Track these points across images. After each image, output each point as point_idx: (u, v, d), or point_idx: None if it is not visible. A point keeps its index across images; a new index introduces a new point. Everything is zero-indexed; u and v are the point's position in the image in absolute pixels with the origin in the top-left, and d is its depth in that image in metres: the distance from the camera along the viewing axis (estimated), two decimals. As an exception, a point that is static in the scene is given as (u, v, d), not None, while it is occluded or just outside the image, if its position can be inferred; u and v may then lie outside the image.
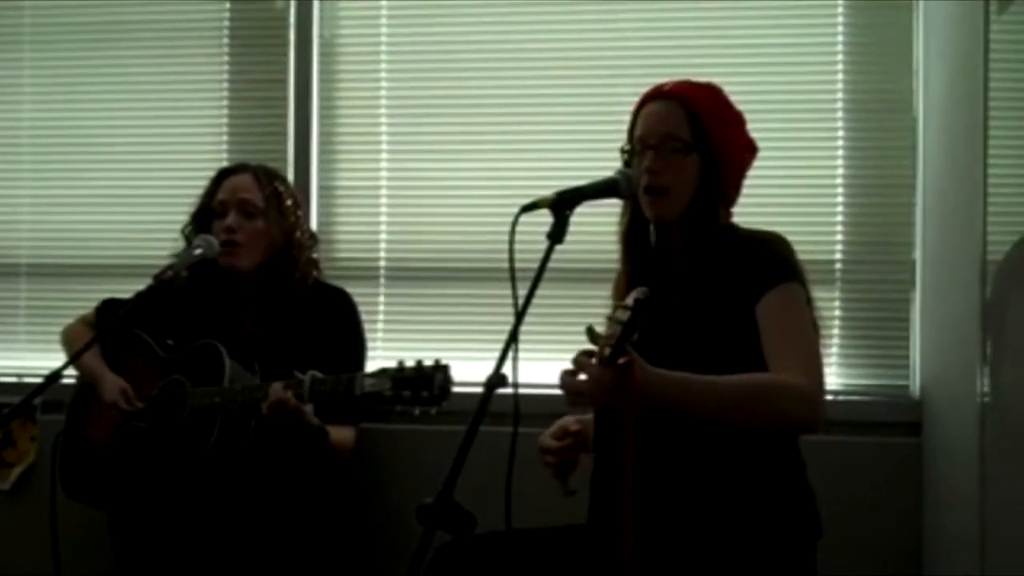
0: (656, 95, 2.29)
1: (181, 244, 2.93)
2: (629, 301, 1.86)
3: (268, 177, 2.91)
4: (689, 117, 2.22)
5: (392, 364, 2.46)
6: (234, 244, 2.83)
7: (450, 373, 2.40)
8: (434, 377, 2.39)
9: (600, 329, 1.91)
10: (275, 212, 2.88)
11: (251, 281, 2.90)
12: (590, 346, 1.92)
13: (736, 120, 2.30)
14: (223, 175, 2.92)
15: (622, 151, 2.30)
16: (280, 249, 2.88)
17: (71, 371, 2.55)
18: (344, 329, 2.92)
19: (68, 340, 3.00)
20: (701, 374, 2.03)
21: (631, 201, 2.27)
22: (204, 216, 2.89)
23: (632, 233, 2.32)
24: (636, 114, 2.31)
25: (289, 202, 2.93)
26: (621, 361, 1.88)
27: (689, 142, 2.21)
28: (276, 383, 2.57)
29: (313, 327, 2.87)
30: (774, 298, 2.13)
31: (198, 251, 2.78)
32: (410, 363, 2.43)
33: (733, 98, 2.32)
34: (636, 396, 1.88)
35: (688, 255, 2.26)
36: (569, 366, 1.95)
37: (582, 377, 1.93)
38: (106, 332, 2.86)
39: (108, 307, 3.03)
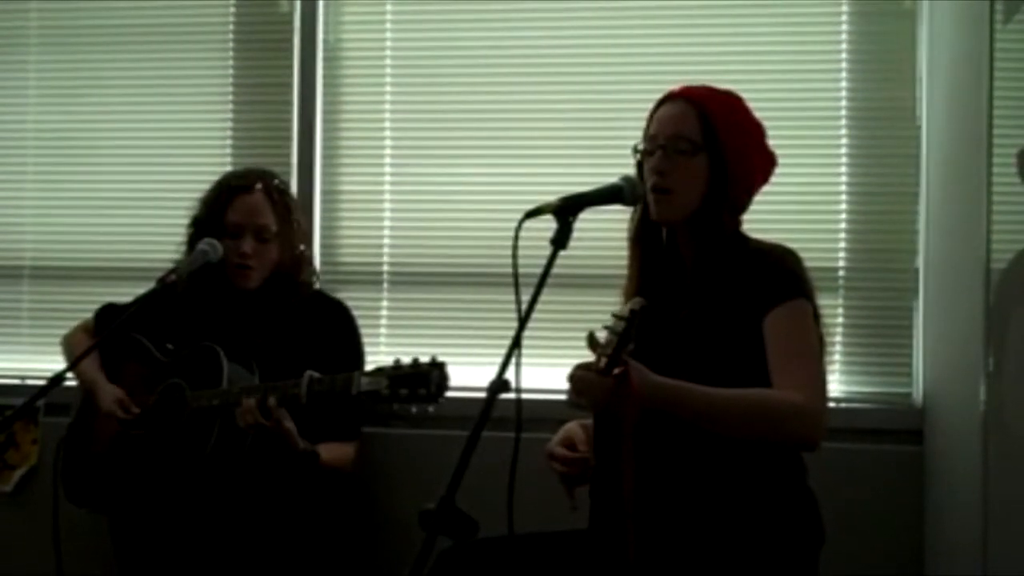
0: (670, 97, 2.29)
1: (183, 248, 2.93)
2: (625, 311, 1.87)
3: (278, 192, 2.91)
4: (700, 118, 2.22)
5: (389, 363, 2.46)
6: (248, 268, 2.85)
7: (447, 370, 2.40)
8: (431, 374, 2.39)
9: (600, 335, 1.92)
10: (286, 231, 2.90)
11: (255, 292, 2.91)
12: (590, 353, 1.93)
13: (752, 128, 2.29)
14: (233, 192, 2.88)
15: (635, 151, 2.30)
16: (286, 264, 2.91)
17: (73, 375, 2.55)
18: (343, 342, 2.94)
19: (68, 348, 3.01)
20: (703, 382, 2.03)
21: (642, 204, 2.27)
22: (212, 229, 2.86)
23: (641, 237, 2.32)
24: (651, 116, 2.31)
25: (295, 214, 2.96)
26: (617, 371, 1.88)
27: (697, 142, 2.21)
28: (247, 402, 2.57)
29: (312, 338, 2.88)
30: (782, 314, 2.12)
31: (203, 255, 2.78)
32: (406, 361, 2.43)
33: (739, 106, 2.32)
34: (634, 405, 1.88)
35: (696, 260, 2.26)
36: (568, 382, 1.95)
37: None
38: (107, 339, 2.86)
39: (107, 313, 3.03)
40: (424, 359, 2.41)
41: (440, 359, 2.41)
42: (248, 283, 2.87)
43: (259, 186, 2.88)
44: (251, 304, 2.91)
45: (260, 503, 2.73)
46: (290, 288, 2.92)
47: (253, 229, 2.85)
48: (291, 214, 2.93)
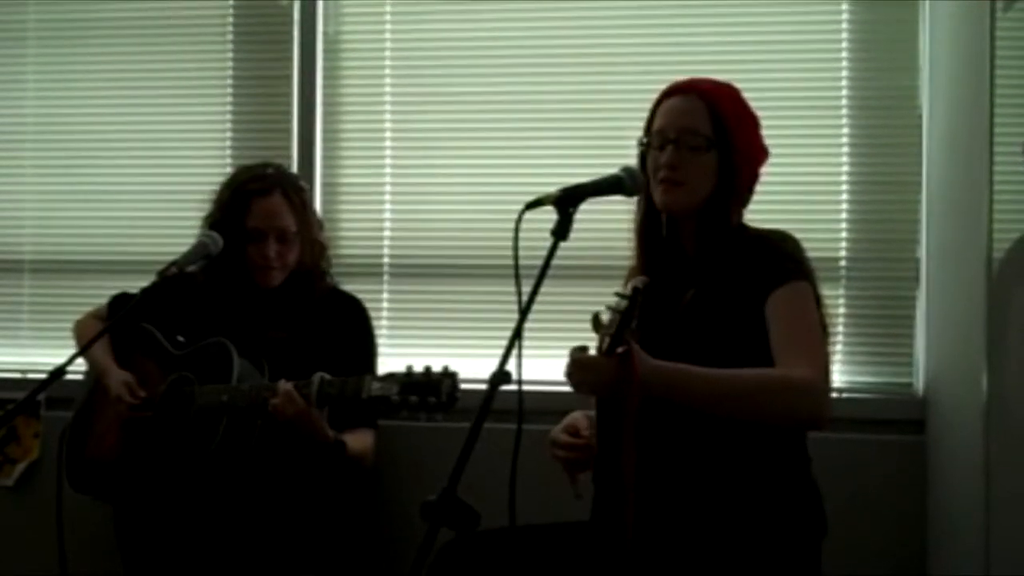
0: (678, 90, 2.28)
1: (186, 241, 2.93)
2: (627, 290, 1.86)
3: (295, 191, 2.91)
4: (711, 114, 2.22)
5: (398, 367, 2.47)
6: (272, 268, 2.87)
7: (458, 380, 2.41)
8: (441, 384, 2.40)
9: (603, 316, 1.92)
10: (305, 228, 2.91)
11: (275, 289, 2.92)
12: (595, 335, 1.93)
13: (753, 121, 2.30)
14: (251, 195, 2.87)
15: (640, 144, 2.30)
16: (307, 260, 2.93)
17: (75, 367, 2.55)
18: (357, 339, 2.95)
19: (79, 333, 3.02)
20: (708, 367, 2.02)
21: (645, 194, 2.27)
22: (231, 232, 2.84)
23: (646, 227, 2.32)
24: (656, 107, 2.30)
25: (311, 208, 2.98)
26: (620, 350, 1.87)
27: (710, 138, 2.21)
28: (284, 382, 2.58)
29: (326, 334, 2.90)
30: (782, 296, 2.12)
31: (203, 248, 2.78)
32: (418, 369, 2.44)
33: (738, 96, 2.32)
34: (637, 385, 1.88)
35: (699, 251, 2.26)
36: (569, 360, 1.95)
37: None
38: (115, 327, 2.86)
39: (119, 301, 3.03)
40: (436, 368, 2.42)
41: (452, 369, 2.42)
42: (272, 282, 2.90)
43: (277, 189, 2.88)
44: (270, 301, 2.92)
45: (265, 497, 2.73)
46: (309, 284, 2.94)
47: (275, 233, 2.86)
48: (308, 210, 2.95)
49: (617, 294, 1.89)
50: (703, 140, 2.21)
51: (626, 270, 2.40)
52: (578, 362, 1.93)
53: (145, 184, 3.49)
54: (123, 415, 2.81)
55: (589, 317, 1.93)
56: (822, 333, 2.16)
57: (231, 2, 3.49)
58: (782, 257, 2.18)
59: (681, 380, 1.99)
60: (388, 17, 3.40)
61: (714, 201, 2.23)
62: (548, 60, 3.28)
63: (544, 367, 2.71)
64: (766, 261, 2.17)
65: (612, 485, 2.11)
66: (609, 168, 2.13)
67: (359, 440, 2.78)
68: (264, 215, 2.86)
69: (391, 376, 2.47)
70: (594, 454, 2.23)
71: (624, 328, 1.85)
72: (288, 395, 2.56)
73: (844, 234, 3.14)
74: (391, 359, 3.05)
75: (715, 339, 2.15)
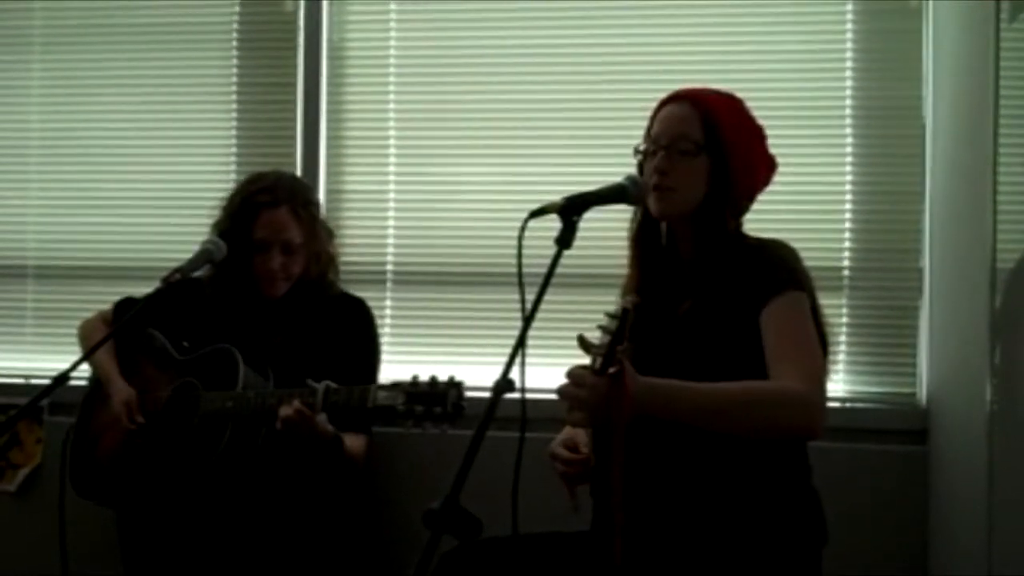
0: (674, 98, 2.29)
1: (190, 248, 2.93)
2: (617, 310, 1.86)
3: (303, 205, 2.91)
4: (703, 120, 2.22)
5: (402, 375, 2.47)
6: (276, 279, 2.88)
7: (464, 391, 2.41)
8: (447, 394, 2.40)
9: (591, 336, 1.92)
10: (312, 240, 2.92)
11: (281, 298, 2.93)
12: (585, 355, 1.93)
13: (753, 131, 2.30)
14: (259, 207, 2.86)
15: (636, 151, 2.30)
16: (312, 271, 2.93)
17: (78, 373, 2.55)
18: (360, 340, 2.96)
19: (84, 336, 3.03)
20: (704, 378, 2.01)
21: (642, 204, 2.27)
22: (238, 242, 2.85)
23: (642, 236, 2.33)
24: (653, 116, 2.31)
25: (319, 220, 2.97)
26: (612, 370, 1.87)
27: (700, 143, 2.21)
28: (293, 402, 2.57)
29: (330, 335, 2.90)
30: (777, 306, 2.12)
31: (207, 254, 2.78)
32: (424, 378, 2.43)
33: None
34: (628, 404, 1.88)
35: (695, 260, 2.26)
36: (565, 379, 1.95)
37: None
38: (119, 332, 2.86)
39: (125, 305, 3.04)
40: (442, 377, 2.42)
41: (458, 379, 2.41)
42: (277, 292, 2.91)
43: (285, 202, 2.87)
44: (275, 309, 2.93)
45: (267, 504, 2.73)
46: (314, 293, 2.95)
47: (280, 244, 2.87)
48: (316, 222, 2.95)
49: (607, 314, 1.89)
50: (692, 145, 2.22)
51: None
52: (573, 375, 1.93)
53: (149, 190, 3.50)
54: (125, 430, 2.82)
55: (592, 327, 1.93)
56: (818, 343, 2.15)
57: (236, 8, 3.50)
58: (777, 267, 2.17)
59: (673, 397, 1.98)
60: (393, 24, 3.41)
61: (708, 206, 2.23)
62: (552, 68, 3.29)
63: (547, 375, 2.71)
64: (761, 271, 2.17)
65: (607, 499, 2.11)
66: (613, 176, 2.13)
67: (354, 442, 2.78)
68: (270, 227, 2.86)
69: (397, 385, 2.47)
70: (592, 468, 2.23)
71: (615, 348, 1.85)
72: (300, 414, 2.56)
73: (847, 244, 3.14)
74: (394, 366, 3.06)
75: (711, 350, 2.15)
